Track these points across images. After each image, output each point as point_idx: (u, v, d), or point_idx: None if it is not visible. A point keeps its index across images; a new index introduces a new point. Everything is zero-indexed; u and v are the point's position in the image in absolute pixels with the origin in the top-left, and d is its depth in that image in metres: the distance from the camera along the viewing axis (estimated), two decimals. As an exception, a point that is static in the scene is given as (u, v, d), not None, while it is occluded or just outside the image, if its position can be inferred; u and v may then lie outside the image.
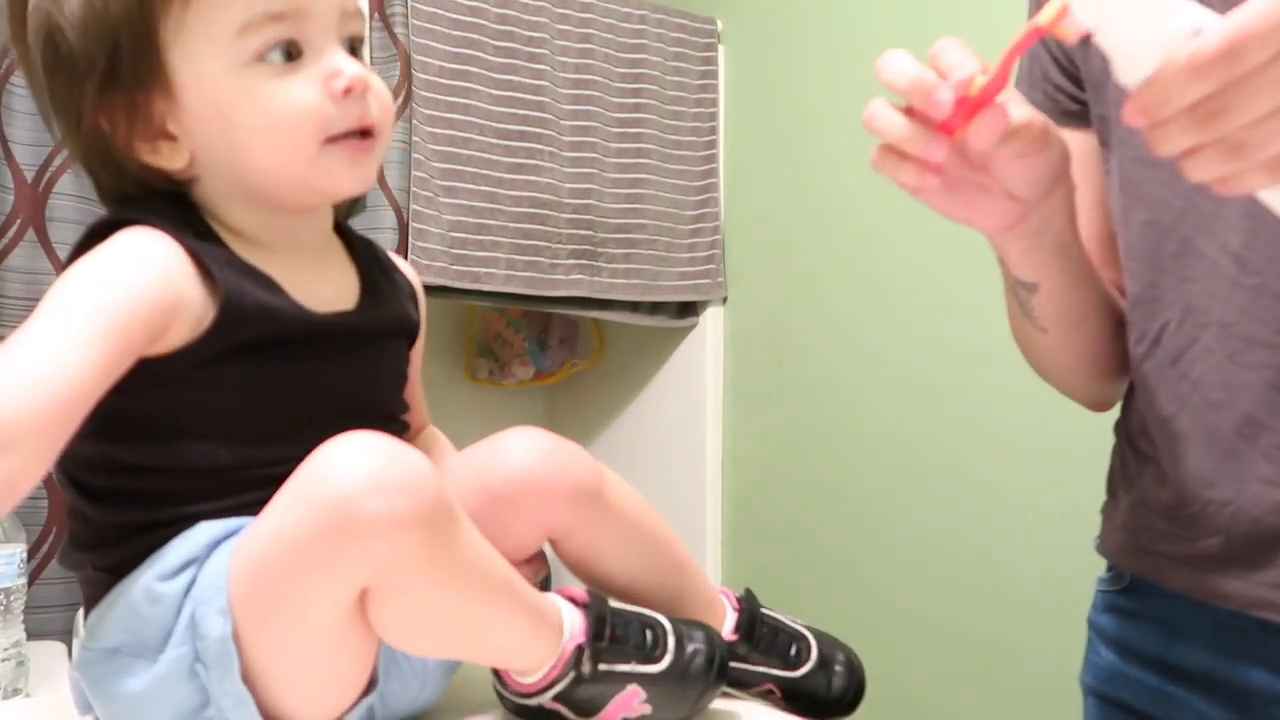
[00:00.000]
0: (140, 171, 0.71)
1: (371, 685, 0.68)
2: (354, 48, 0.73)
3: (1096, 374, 0.84)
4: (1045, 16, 0.58)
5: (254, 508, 0.62)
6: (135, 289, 0.64)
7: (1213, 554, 0.72)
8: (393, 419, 0.78)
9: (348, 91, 0.69)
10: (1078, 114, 0.83)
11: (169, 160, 0.71)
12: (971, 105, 0.63)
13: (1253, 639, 0.72)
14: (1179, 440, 0.73)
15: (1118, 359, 0.82)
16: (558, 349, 2.17)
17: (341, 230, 0.80)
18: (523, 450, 0.75)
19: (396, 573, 0.60)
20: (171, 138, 0.70)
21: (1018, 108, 0.64)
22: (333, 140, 0.70)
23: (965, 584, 1.61)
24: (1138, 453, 0.79)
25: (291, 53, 0.69)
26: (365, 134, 0.71)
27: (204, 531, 0.66)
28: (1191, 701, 0.76)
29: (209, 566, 0.64)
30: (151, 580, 0.64)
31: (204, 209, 0.73)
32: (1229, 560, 0.71)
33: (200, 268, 0.67)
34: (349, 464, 0.58)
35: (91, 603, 0.69)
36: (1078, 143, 0.82)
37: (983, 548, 1.59)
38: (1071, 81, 0.83)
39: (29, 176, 1.44)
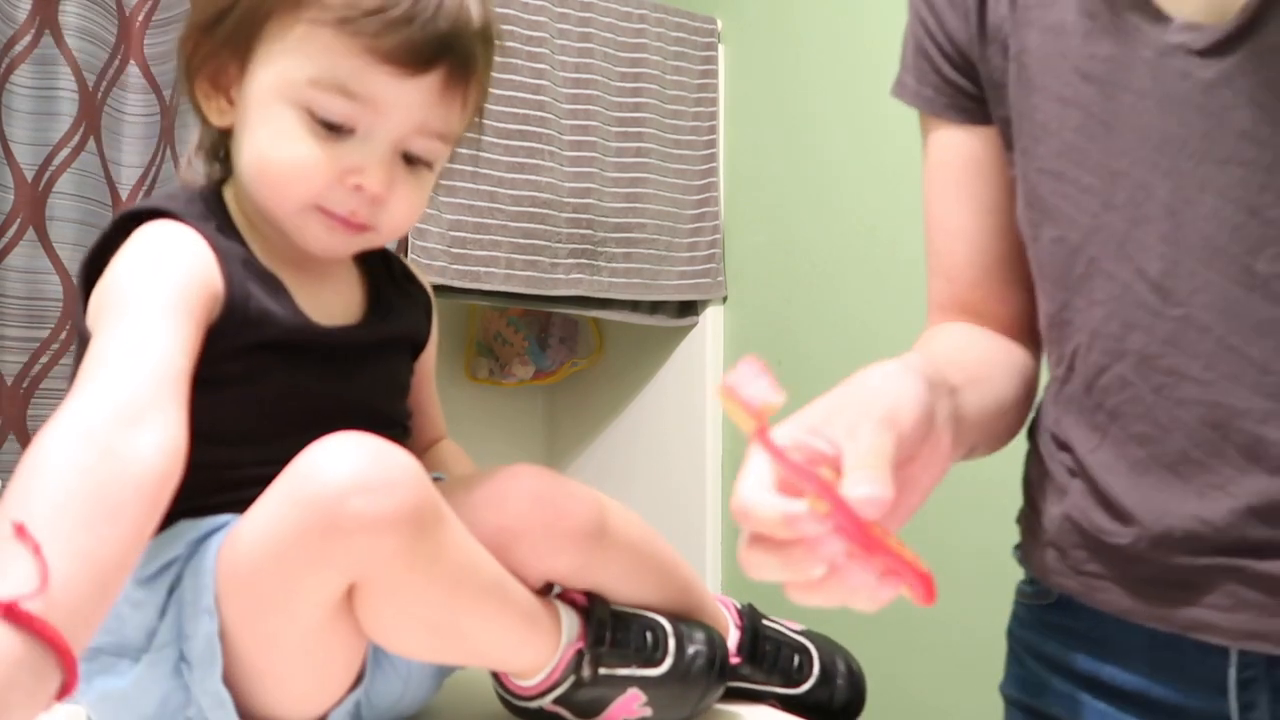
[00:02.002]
0: (192, 101, 0.75)
1: (359, 679, 0.67)
2: (414, 158, 0.73)
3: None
4: (747, 424, 0.54)
5: (242, 506, 0.62)
6: (192, 274, 0.66)
7: (1146, 578, 0.68)
8: (393, 423, 0.78)
9: (357, 189, 0.70)
10: (973, 111, 0.76)
11: (214, 116, 0.74)
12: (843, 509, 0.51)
13: (1190, 659, 0.68)
14: (1105, 471, 0.69)
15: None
16: (558, 348, 2.17)
17: None
18: (518, 501, 0.71)
19: (382, 571, 0.61)
20: (230, 102, 0.73)
21: (871, 475, 0.52)
22: (322, 210, 0.71)
23: (965, 583, 1.61)
24: (1062, 466, 0.74)
25: (342, 128, 0.70)
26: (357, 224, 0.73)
27: (182, 531, 0.66)
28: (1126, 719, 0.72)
29: (194, 566, 0.64)
30: (131, 585, 0.64)
31: (232, 207, 0.74)
32: (1163, 585, 0.68)
33: (219, 263, 0.68)
34: (334, 463, 0.59)
35: None
36: (975, 142, 0.77)
37: (983, 546, 1.59)
38: (965, 77, 0.76)
39: (29, 176, 1.44)
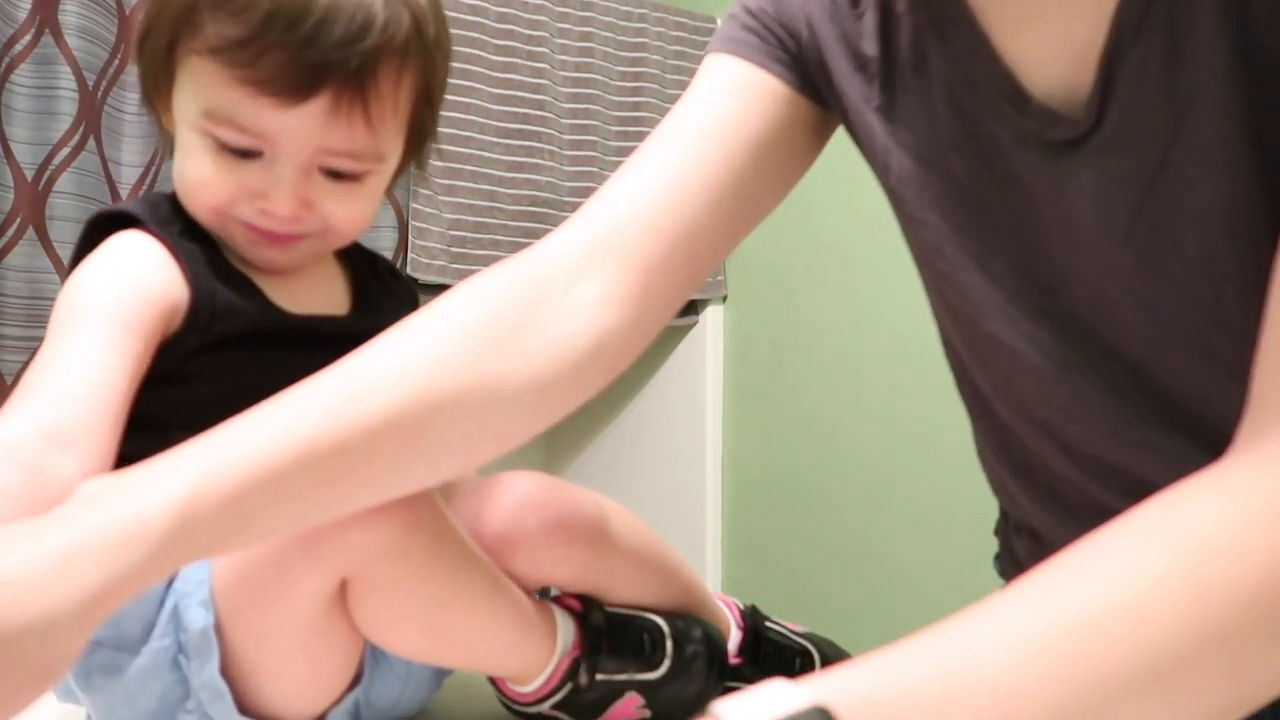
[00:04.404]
0: (152, 112, 0.76)
1: (357, 679, 0.68)
2: (338, 172, 0.72)
3: None
4: None
5: None
6: (138, 291, 0.67)
7: None
8: None
9: (264, 213, 0.71)
10: (793, 69, 0.68)
11: (168, 124, 0.75)
12: None
13: None
14: (1030, 512, 0.68)
15: None
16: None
17: None
18: (518, 511, 0.70)
19: (375, 565, 0.61)
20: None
21: None
22: (243, 224, 0.72)
23: (968, 583, 1.61)
24: (1005, 497, 0.73)
25: (248, 153, 0.70)
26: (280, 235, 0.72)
27: None
28: None
29: None
30: None
31: None
32: None
33: (180, 265, 0.70)
34: None
35: None
36: (772, 88, 0.68)
37: (992, 544, 1.59)
38: (791, 37, 0.68)
39: (29, 175, 1.44)
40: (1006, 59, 0.58)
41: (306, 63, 0.66)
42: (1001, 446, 0.69)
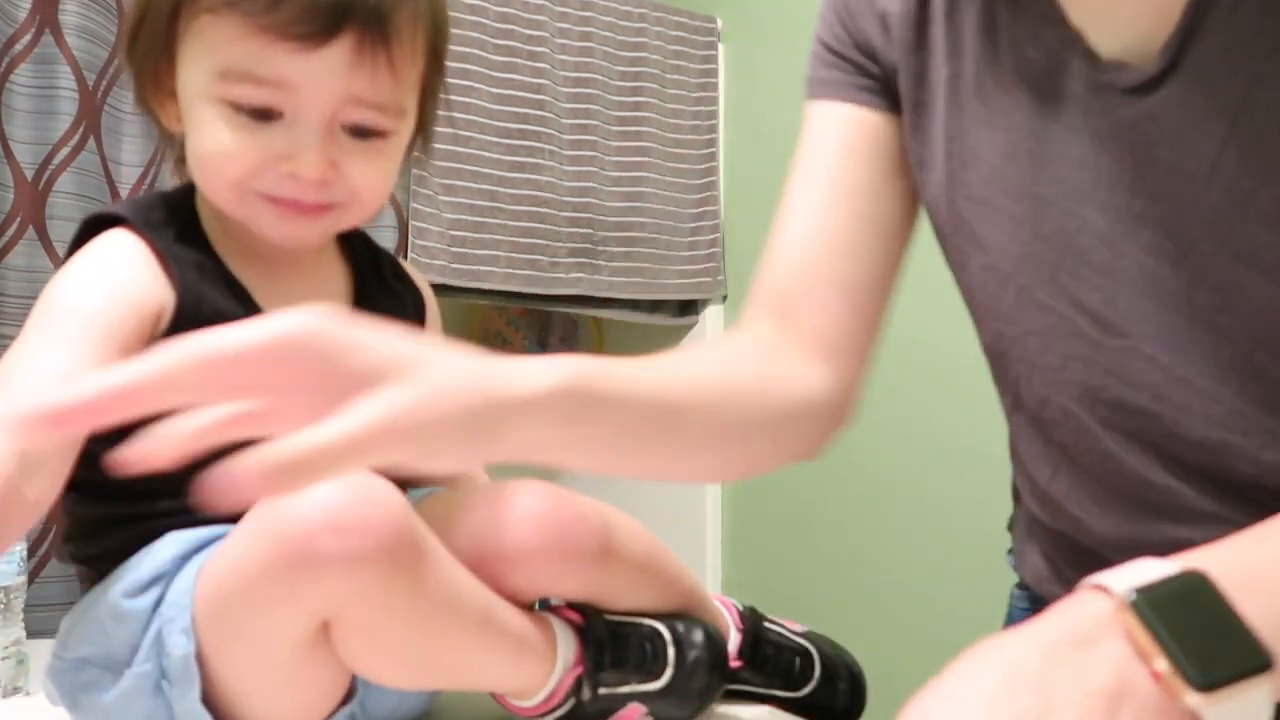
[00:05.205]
0: (148, 113, 0.74)
1: (351, 694, 0.67)
2: (362, 130, 0.70)
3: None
4: None
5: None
6: (119, 296, 0.65)
7: None
8: None
9: (293, 177, 0.68)
10: (875, 91, 0.73)
11: (172, 123, 0.73)
12: None
13: None
14: (1069, 501, 0.68)
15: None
16: (558, 348, 2.16)
17: (347, 236, 0.79)
18: (522, 525, 0.69)
19: (355, 610, 0.60)
20: (177, 102, 0.72)
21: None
22: (267, 197, 0.69)
23: (970, 583, 1.61)
24: (1033, 489, 0.73)
25: (269, 114, 0.68)
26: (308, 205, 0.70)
27: (171, 545, 0.65)
28: None
29: (176, 584, 0.63)
30: (118, 596, 0.64)
31: (202, 210, 0.74)
32: None
33: (167, 271, 0.68)
34: (306, 500, 0.57)
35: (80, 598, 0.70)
36: (868, 121, 0.73)
37: (989, 544, 1.59)
38: (867, 56, 0.74)
39: (29, 175, 1.44)
40: (1075, 20, 0.60)
41: (325, 2, 0.65)
42: (1035, 433, 0.69)
